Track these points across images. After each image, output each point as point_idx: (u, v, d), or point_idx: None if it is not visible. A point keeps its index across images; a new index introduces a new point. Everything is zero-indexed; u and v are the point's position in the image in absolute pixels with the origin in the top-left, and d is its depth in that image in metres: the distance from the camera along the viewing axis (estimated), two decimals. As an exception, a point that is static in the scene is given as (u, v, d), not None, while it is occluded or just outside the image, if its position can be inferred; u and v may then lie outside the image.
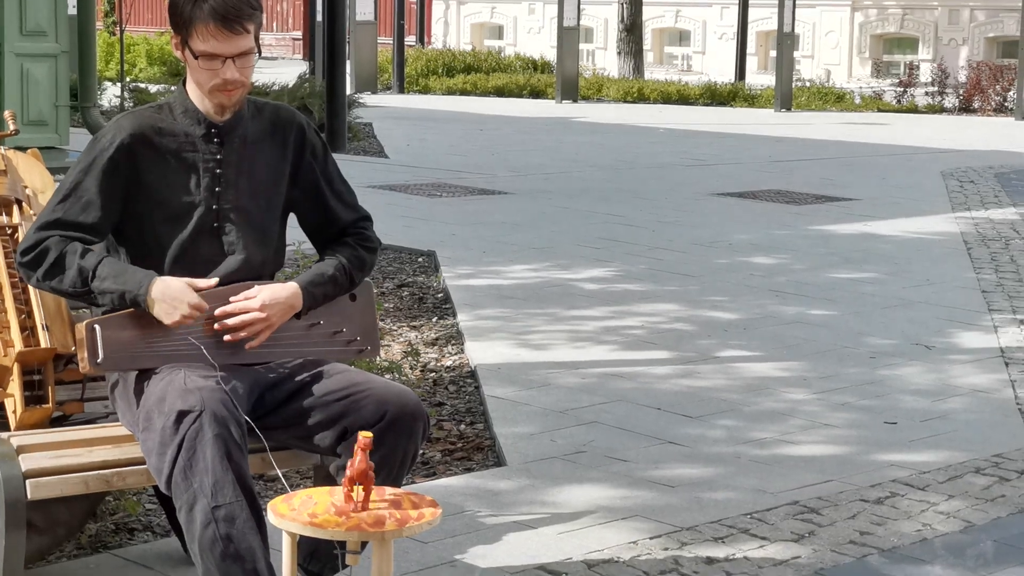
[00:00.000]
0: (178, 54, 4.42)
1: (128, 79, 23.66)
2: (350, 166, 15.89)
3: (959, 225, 13.20)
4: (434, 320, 8.94)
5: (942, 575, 5.15)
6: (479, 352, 8.19)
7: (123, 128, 4.42)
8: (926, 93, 28.55)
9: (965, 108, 27.42)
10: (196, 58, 4.30)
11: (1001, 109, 26.55)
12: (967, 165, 17.94)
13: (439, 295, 9.66)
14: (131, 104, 18.84)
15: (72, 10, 15.89)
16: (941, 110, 27.40)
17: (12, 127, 5.28)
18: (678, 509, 5.77)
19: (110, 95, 20.66)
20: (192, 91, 4.42)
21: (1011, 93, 26.27)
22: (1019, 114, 25.00)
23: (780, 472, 6.27)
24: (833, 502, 5.90)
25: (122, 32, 26.02)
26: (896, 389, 7.67)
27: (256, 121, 4.51)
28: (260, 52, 4.43)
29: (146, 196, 4.39)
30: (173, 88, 4.44)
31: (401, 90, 29.42)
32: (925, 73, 29.85)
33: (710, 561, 5.23)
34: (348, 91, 19.24)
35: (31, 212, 4.72)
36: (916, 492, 6.04)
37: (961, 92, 27.88)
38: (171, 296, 4.19)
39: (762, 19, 31.56)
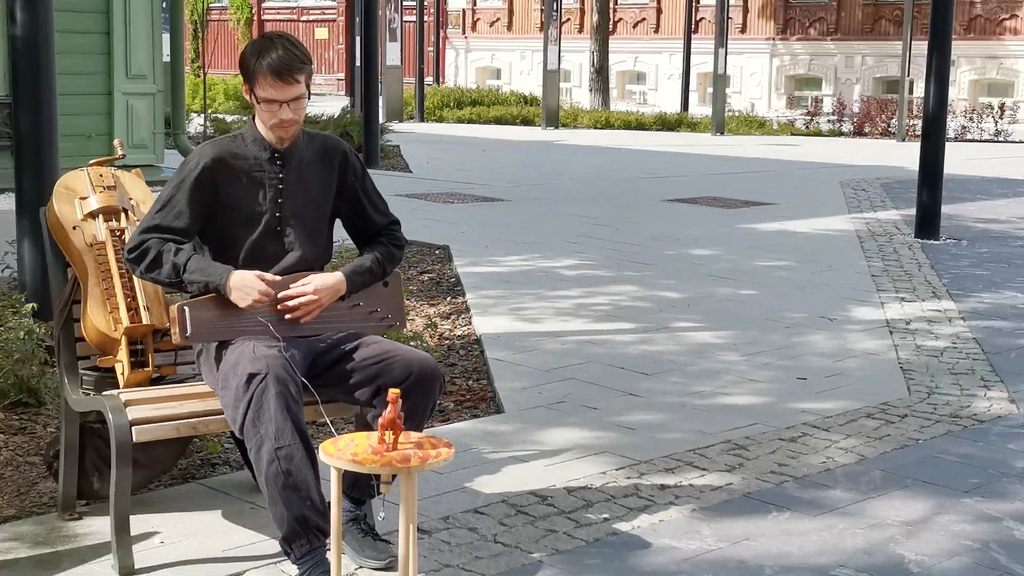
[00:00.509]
0: (247, 97, 4.41)
1: (209, 111, 23.60)
2: (382, 179, 15.82)
3: (854, 224, 13.21)
4: (448, 299, 8.92)
5: (842, 497, 5.15)
6: (483, 324, 8.18)
7: (206, 153, 4.44)
8: (828, 121, 28.54)
9: (858, 132, 27.41)
10: (258, 103, 4.31)
11: (886, 133, 26.54)
12: (860, 177, 17.96)
13: (452, 280, 9.65)
14: (212, 132, 18.84)
15: (166, 57, 15.86)
16: (840, 134, 27.40)
17: (120, 152, 5.26)
18: (637, 447, 5.77)
19: (195, 124, 20.61)
20: (259, 124, 4.42)
21: (893, 121, 26.24)
22: (899, 137, 25.06)
23: (716, 417, 6.26)
24: (757, 440, 5.91)
25: (204, 75, 25.98)
26: (806, 352, 7.67)
27: (309, 148, 4.51)
28: (310, 95, 4.40)
29: (224, 206, 4.40)
30: (245, 119, 4.44)
31: (422, 119, 29.37)
32: (827, 105, 29.81)
33: (662, 487, 5.23)
34: (380, 120, 19.18)
35: (135, 218, 4.69)
36: (821, 432, 6.04)
37: (855, 120, 27.86)
38: (245, 285, 4.22)
39: (701, 63, 31.43)
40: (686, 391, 6.72)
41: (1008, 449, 5.80)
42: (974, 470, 5.49)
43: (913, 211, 12.63)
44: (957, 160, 19.18)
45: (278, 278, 4.30)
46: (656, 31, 36.06)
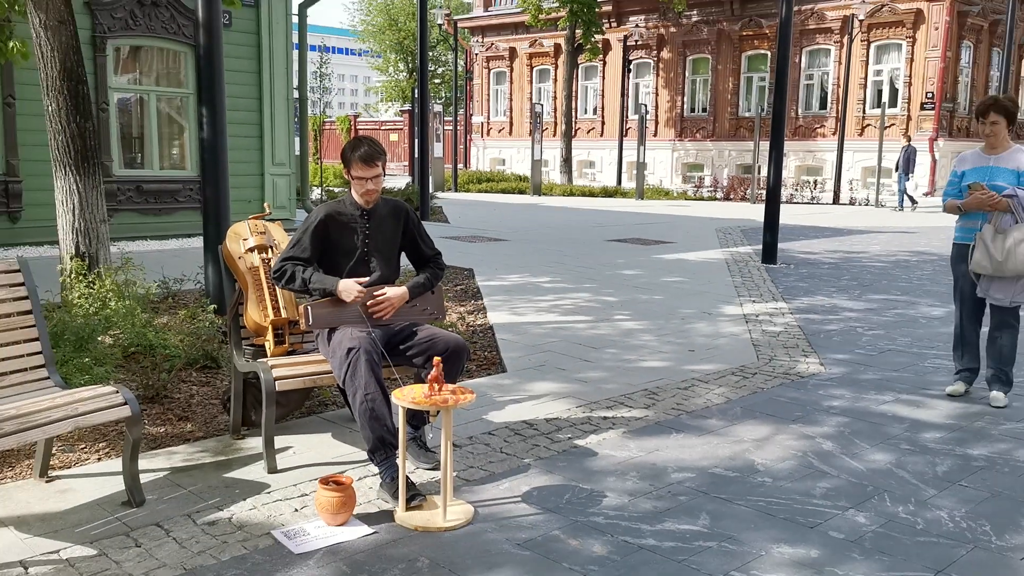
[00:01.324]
0: (346, 176, 4.39)
1: (324, 186, 23.58)
2: (431, 227, 15.81)
3: (723, 254, 13.10)
4: (472, 302, 8.85)
5: (716, 424, 5.08)
6: (494, 317, 8.09)
7: (321, 211, 4.41)
8: (707, 191, 28.42)
9: (727, 198, 27.25)
10: (353, 179, 4.30)
11: (744, 199, 26.39)
12: (727, 226, 17.82)
13: (474, 290, 9.57)
14: (325, 198, 18.79)
15: (296, 152, 15.89)
16: (715, 199, 27.23)
17: (268, 211, 5.24)
18: (589, 392, 5.69)
19: (315, 194, 20.57)
20: (354, 193, 4.39)
21: (748, 191, 26.12)
22: (752, 201, 24.87)
23: (639, 374, 6.17)
24: (664, 389, 5.81)
25: (321, 163, 25.97)
26: (694, 334, 7.56)
27: (385, 207, 4.48)
28: (385, 175, 4.39)
29: (332, 244, 4.37)
30: (345, 190, 4.38)
31: (456, 190, 29.28)
32: (707, 181, 29.72)
33: (604, 418, 5.17)
34: (430, 190, 19.13)
35: (277, 252, 4.66)
36: (703, 384, 5.95)
37: (724, 190, 27.74)
38: (348, 287, 4.22)
39: (629, 155, 31.36)
40: (619, 358, 6.64)
41: (819, 394, 5.73)
42: (798, 407, 5.44)
43: (760, 246, 12.56)
44: (788, 215, 19.12)
45: (367, 280, 4.29)
46: (601, 135, 35.92)
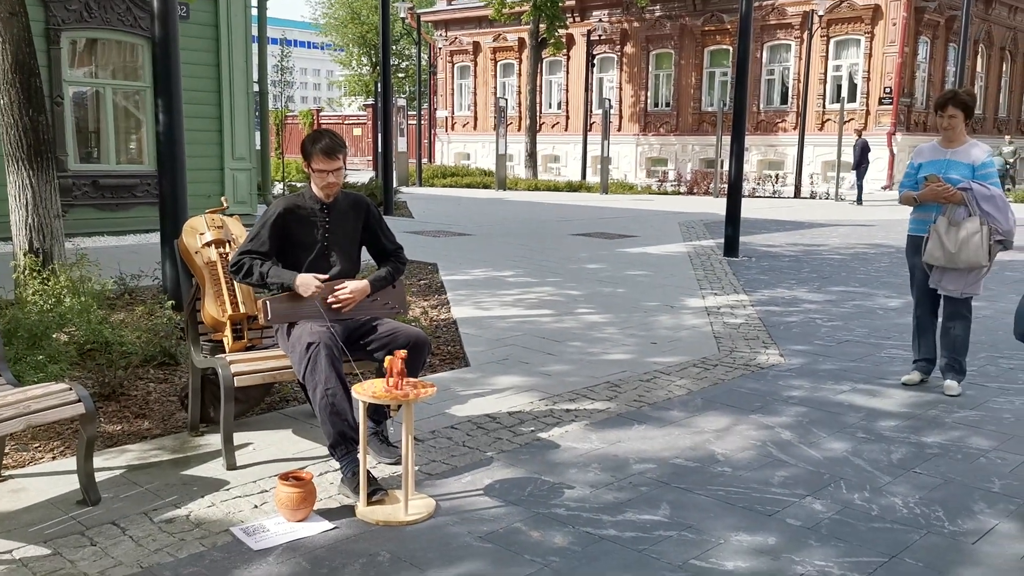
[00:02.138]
0: (306, 170, 4.36)
1: (285, 180, 23.42)
2: (394, 222, 15.75)
3: (686, 248, 13.20)
4: (435, 296, 8.83)
5: (677, 416, 5.12)
6: (457, 312, 8.08)
7: (280, 205, 4.38)
8: (671, 185, 28.60)
9: (690, 192, 27.44)
10: (313, 172, 4.26)
11: (707, 192, 26.58)
12: (690, 219, 17.97)
13: (438, 284, 9.56)
14: (287, 193, 18.71)
15: (257, 147, 15.76)
16: (679, 193, 27.42)
17: (225, 205, 5.18)
18: (552, 386, 5.71)
19: (277, 188, 20.41)
20: (314, 187, 4.36)
21: (711, 185, 26.31)
22: (715, 195, 25.04)
23: (601, 366, 6.21)
24: (626, 381, 5.85)
25: (283, 157, 25.80)
26: (657, 326, 7.61)
27: (345, 201, 4.45)
28: (346, 167, 4.37)
29: (291, 238, 4.33)
30: (307, 185, 4.35)
31: (420, 185, 29.18)
32: (671, 176, 29.89)
33: (567, 411, 5.19)
34: (394, 185, 19.03)
35: (235, 246, 4.62)
36: (665, 376, 5.99)
37: (688, 185, 27.94)
38: (304, 281, 4.19)
39: (593, 149, 31.45)
40: (583, 351, 6.66)
41: (779, 384, 5.80)
42: (758, 397, 5.49)
43: (722, 240, 12.65)
44: (750, 209, 19.29)
45: (326, 277, 4.26)
46: (566, 130, 36.01)
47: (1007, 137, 29.21)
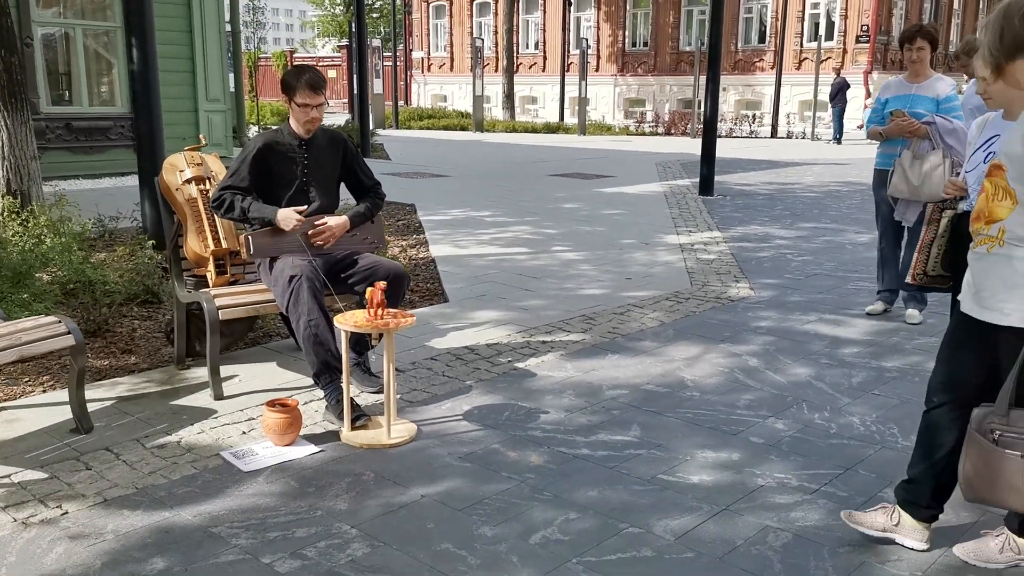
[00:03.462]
0: (287, 105, 4.43)
1: (260, 123, 23.28)
2: (372, 164, 15.69)
3: (662, 188, 13.32)
4: (414, 236, 8.94)
5: (649, 345, 5.29)
6: (436, 250, 8.20)
7: (259, 140, 4.47)
8: (649, 126, 28.64)
9: (668, 133, 27.50)
10: (298, 106, 4.33)
11: (684, 133, 26.63)
12: (667, 160, 18.08)
13: (416, 224, 9.66)
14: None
15: (232, 88, 15.63)
16: (656, 134, 27.46)
17: (204, 142, 5.26)
18: (529, 319, 5.87)
19: (252, 131, 20.27)
20: (292, 122, 4.44)
21: (689, 125, 26.37)
22: (692, 135, 25.07)
23: (576, 301, 6.37)
24: (601, 314, 6.01)
25: (257, 99, 25.58)
26: (632, 263, 7.76)
27: (323, 137, 4.54)
28: (328, 104, 4.46)
29: (270, 174, 4.43)
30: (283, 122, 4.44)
31: (397, 127, 29.00)
32: (649, 116, 29.91)
33: (543, 342, 5.35)
34: (371, 127, 18.96)
35: (214, 182, 4.71)
36: (639, 309, 6.17)
37: (666, 125, 27.98)
38: (285, 215, 4.29)
39: (571, 90, 31.32)
40: (559, 287, 6.82)
41: (748, 315, 5.99)
42: (728, 328, 5.69)
43: (698, 179, 12.78)
44: (727, 149, 19.45)
45: (304, 208, 4.36)
46: (543, 71, 35.82)
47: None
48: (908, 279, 3.44)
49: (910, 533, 2.98)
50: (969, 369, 2.80)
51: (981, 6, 34.31)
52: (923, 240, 3.38)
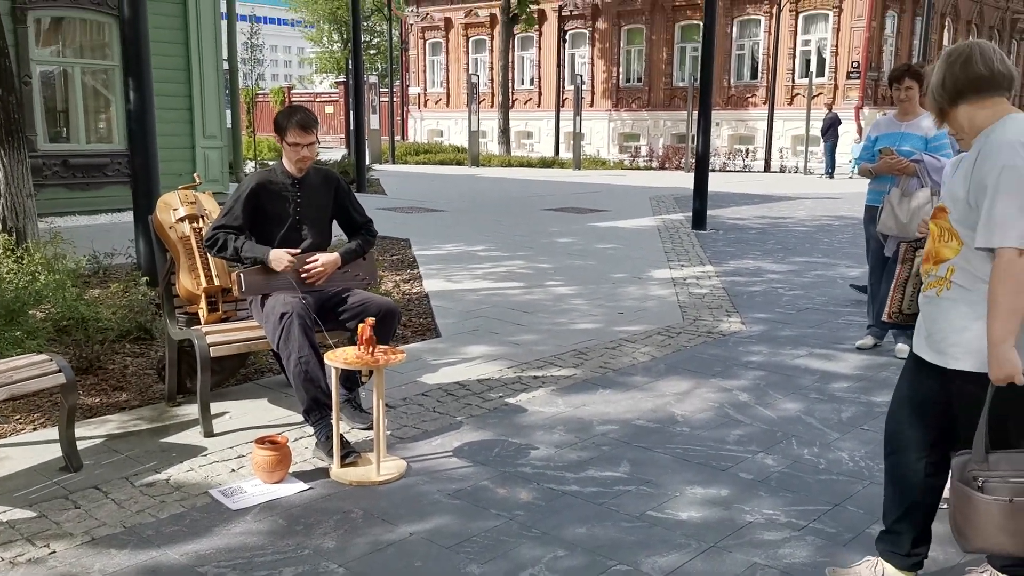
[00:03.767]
0: (279, 143, 4.46)
1: (257, 158, 23.37)
2: (368, 199, 15.79)
3: (655, 222, 13.38)
4: (408, 271, 8.96)
5: (641, 380, 5.29)
6: (429, 285, 8.22)
7: (252, 180, 4.50)
8: (643, 161, 28.78)
9: (662, 167, 27.62)
10: (289, 145, 4.37)
11: (678, 168, 26.78)
12: (661, 194, 18.14)
13: (411, 259, 9.68)
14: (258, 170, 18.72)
15: (229, 125, 15.70)
16: (651, 168, 27.59)
17: (198, 181, 5.28)
18: (520, 354, 5.87)
19: (249, 166, 20.37)
20: (285, 161, 4.47)
21: (683, 160, 26.53)
22: (686, 170, 25.20)
23: (568, 335, 6.37)
24: (592, 349, 6.01)
25: (254, 136, 25.69)
26: (625, 297, 7.78)
27: (316, 176, 4.57)
28: (319, 143, 4.49)
29: (263, 212, 4.45)
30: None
31: (393, 162, 29.13)
32: (643, 151, 30.06)
33: (535, 377, 5.35)
34: (367, 162, 19.04)
35: (208, 221, 4.73)
36: (630, 344, 6.17)
37: (660, 160, 28.12)
38: (277, 256, 4.30)
39: (566, 125, 31.51)
40: (551, 321, 6.83)
41: (739, 350, 6.00)
42: (718, 362, 5.69)
43: (691, 213, 12.84)
44: (720, 183, 19.57)
45: (298, 251, 4.38)
46: (539, 106, 36.06)
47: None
48: (884, 317, 3.43)
49: None
50: (923, 412, 2.80)
51: (970, 42, 34.66)
52: (898, 278, 3.38)
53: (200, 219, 4.77)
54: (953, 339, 2.64)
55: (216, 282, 4.63)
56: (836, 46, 28.74)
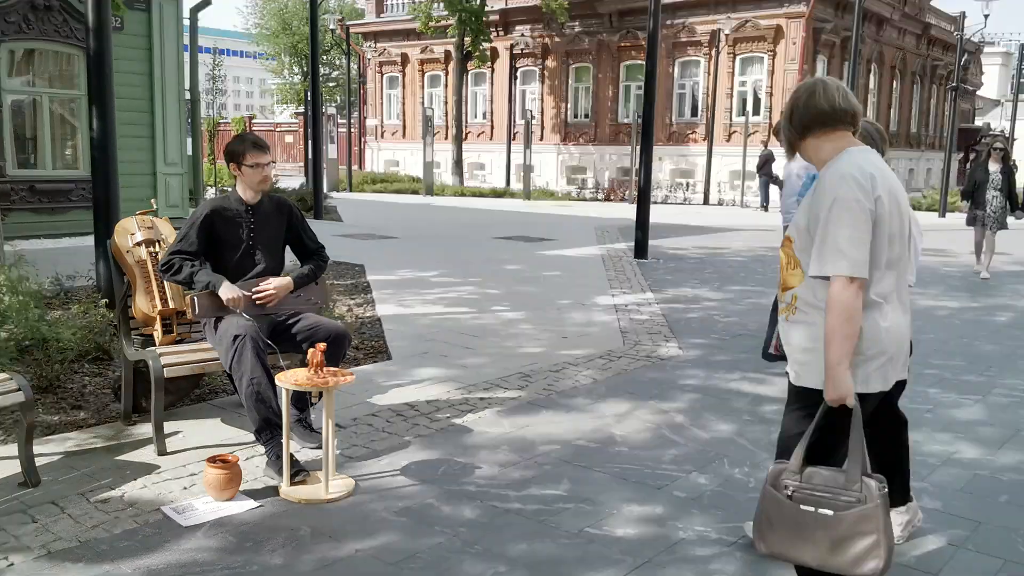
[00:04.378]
0: (233, 171, 4.43)
1: (218, 185, 23.14)
2: (325, 226, 15.74)
3: (599, 251, 13.47)
4: (362, 295, 8.92)
5: (582, 402, 5.32)
6: (382, 309, 8.18)
7: (207, 207, 4.47)
8: (590, 192, 29.01)
9: (607, 199, 27.88)
10: (251, 168, 4.35)
11: (623, 199, 27.03)
12: (606, 224, 18.27)
13: (365, 284, 9.64)
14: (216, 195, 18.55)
15: (189, 152, 15.52)
16: (596, 200, 27.83)
17: (154, 207, 5.23)
18: (468, 377, 5.87)
19: (210, 192, 20.18)
20: (239, 188, 4.46)
21: (627, 192, 26.76)
22: (630, 202, 25.41)
23: (514, 359, 6.39)
24: (537, 371, 6.02)
25: (215, 163, 25.44)
26: (568, 322, 7.82)
27: (269, 204, 4.55)
28: (275, 163, 4.50)
29: (217, 238, 4.42)
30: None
31: (350, 190, 29.02)
32: (590, 183, 30.31)
33: (481, 399, 5.35)
34: (324, 190, 18.96)
35: (164, 246, 4.68)
36: (573, 367, 6.20)
37: (605, 192, 28.36)
38: (230, 296, 4.25)
39: (517, 158, 31.67)
40: (498, 345, 6.83)
41: (676, 373, 6.07)
42: (656, 385, 5.74)
43: (633, 243, 12.96)
44: (662, 215, 19.75)
45: (247, 291, 4.32)
46: (491, 139, 36.16)
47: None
48: (771, 350, 3.44)
49: None
50: (792, 426, 2.83)
51: (895, 85, 35.62)
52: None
53: (156, 244, 4.72)
54: (798, 358, 2.71)
55: (171, 305, 4.59)
56: (771, 87, 29.30)
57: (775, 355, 3.44)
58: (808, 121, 2.68)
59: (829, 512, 2.53)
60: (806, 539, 2.56)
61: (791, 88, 26.86)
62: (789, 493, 2.59)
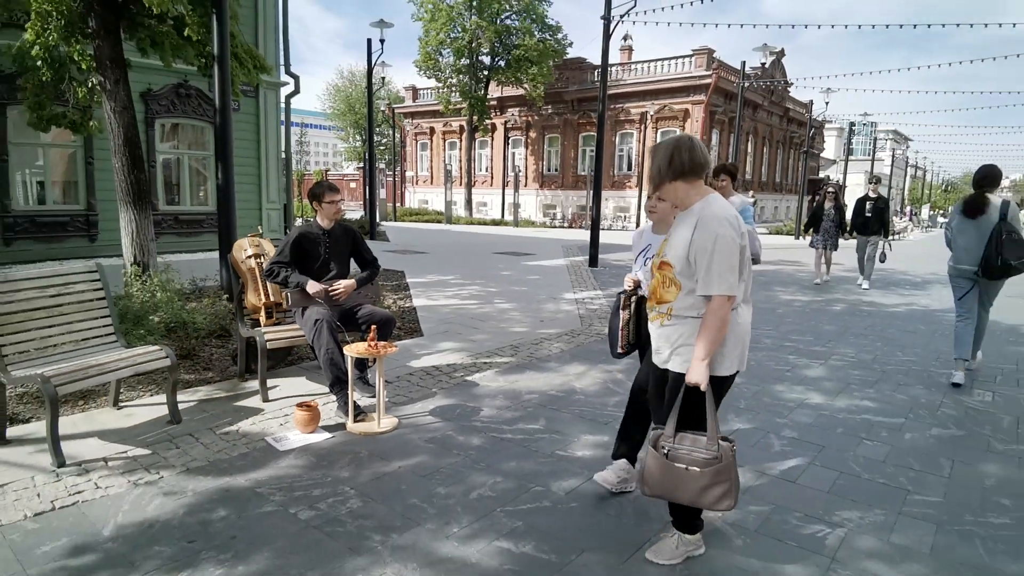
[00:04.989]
0: (316, 207, 4.38)
1: (304, 216, 22.94)
2: (377, 244, 15.62)
3: (565, 262, 13.42)
4: (403, 292, 8.86)
5: (554, 365, 5.28)
6: (416, 301, 8.10)
7: (296, 231, 4.41)
8: (559, 221, 28.89)
9: (571, 227, 27.77)
10: (327, 204, 4.30)
11: (581, 227, 26.95)
12: (570, 244, 18.20)
13: (405, 284, 9.59)
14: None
15: (284, 193, 15.36)
16: (564, 227, 27.74)
17: (260, 231, 5.19)
18: (475, 347, 5.79)
19: (299, 222, 19.98)
20: (319, 218, 4.41)
21: (584, 222, 26.69)
22: (586, 228, 25.38)
23: (507, 336, 6.32)
24: (522, 344, 5.95)
25: (302, 200, 25.23)
26: (543, 312, 7.74)
27: (339, 228, 4.49)
28: (345, 200, 4.45)
29: (304, 253, 4.36)
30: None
31: (395, 220, 28.90)
32: (559, 216, 30.17)
33: (484, 363, 5.29)
34: (377, 220, 18.83)
35: (267, 258, 4.63)
36: (547, 341, 6.14)
37: (570, 222, 28.22)
38: (314, 288, 4.19)
39: (509, 197, 31.56)
40: (496, 326, 6.77)
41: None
42: (603, 354, 5.66)
43: (588, 256, 12.91)
44: (607, 238, 19.70)
45: (326, 286, 4.28)
46: (491, 185, 36.06)
47: (751, 192, 30.07)
48: (620, 350, 3.22)
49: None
50: (655, 396, 2.71)
51: (765, 150, 35.64)
52: (623, 320, 3.14)
53: (261, 257, 4.68)
54: (667, 349, 2.54)
55: (272, 299, 4.55)
56: (681, 151, 29.25)
57: (622, 353, 3.19)
58: (687, 169, 2.46)
59: (696, 469, 2.44)
60: (678, 487, 2.47)
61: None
62: (665, 452, 2.48)
